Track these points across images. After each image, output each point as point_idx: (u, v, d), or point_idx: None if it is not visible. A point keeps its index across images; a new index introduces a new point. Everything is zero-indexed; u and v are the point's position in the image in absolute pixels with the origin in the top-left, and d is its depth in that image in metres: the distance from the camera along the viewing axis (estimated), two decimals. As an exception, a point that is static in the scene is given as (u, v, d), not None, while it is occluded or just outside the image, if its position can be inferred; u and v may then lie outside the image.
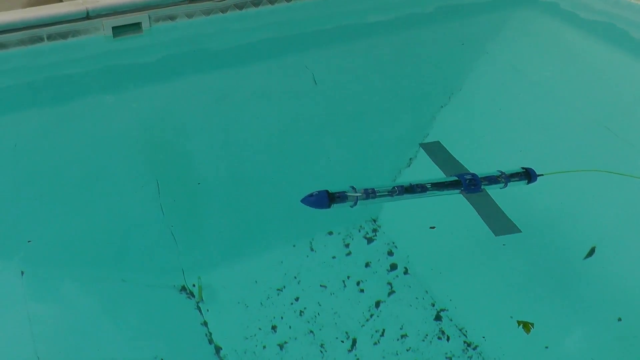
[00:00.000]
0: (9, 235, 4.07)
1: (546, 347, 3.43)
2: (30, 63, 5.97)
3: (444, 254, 4.00)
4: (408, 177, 4.57)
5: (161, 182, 4.42)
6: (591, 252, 3.96)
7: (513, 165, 3.76)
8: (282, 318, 3.49)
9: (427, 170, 3.82)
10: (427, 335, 3.45)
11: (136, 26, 6.25)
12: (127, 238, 4.10)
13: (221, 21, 6.61)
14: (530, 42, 6.89)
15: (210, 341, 3.36)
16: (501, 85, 5.99)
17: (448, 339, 3.44)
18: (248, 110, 5.41)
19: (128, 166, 4.74)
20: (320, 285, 3.68)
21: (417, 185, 3.62)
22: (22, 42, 5.93)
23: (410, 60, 6.50)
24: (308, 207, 3.33)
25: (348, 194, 3.45)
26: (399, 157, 4.80)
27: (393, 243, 3.96)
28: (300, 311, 3.53)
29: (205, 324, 3.44)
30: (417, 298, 3.64)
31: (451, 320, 3.52)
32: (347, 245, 3.97)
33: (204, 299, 3.55)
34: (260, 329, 3.42)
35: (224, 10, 6.56)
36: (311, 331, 3.43)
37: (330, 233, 4.04)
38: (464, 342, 3.43)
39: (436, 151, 4.10)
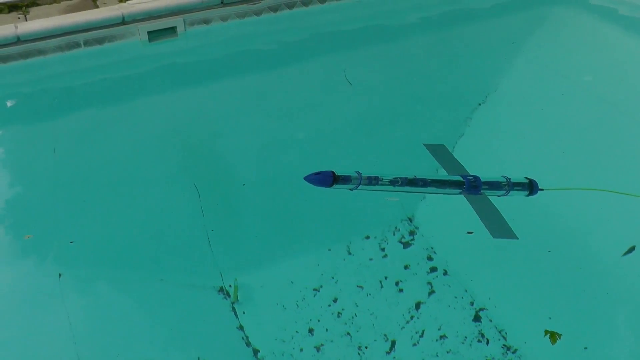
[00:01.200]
0: (48, 237, 4.10)
1: (585, 348, 3.38)
2: (68, 68, 6.02)
3: (483, 255, 3.93)
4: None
5: (199, 185, 4.42)
6: (630, 249, 3.87)
7: (545, 170, 3.85)
8: (318, 321, 3.47)
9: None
10: (466, 337, 3.41)
11: (171, 30, 6.26)
12: (165, 239, 4.10)
13: (255, 24, 6.59)
14: (569, 41, 6.77)
15: (248, 344, 3.36)
16: (537, 86, 5.87)
17: (488, 342, 3.39)
18: (284, 112, 5.41)
19: (166, 169, 4.75)
20: (357, 286, 3.65)
21: (420, 179, 3.63)
22: (59, 48, 5.97)
23: (445, 61, 6.44)
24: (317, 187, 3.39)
25: (351, 176, 3.49)
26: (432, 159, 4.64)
27: (432, 248, 3.91)
28: (338, 313, 3.52)
29: (241, 327, 3.44)
30: (456, 297, 3.61)
31: (491, 321, 3.48)
32: (383, 249, 3.94)
33: (239, 299, 3.56)
34: (297, 331, 3.41)
35: (258, 13, 6.54)
36: (348, 333, 3.41)
37: (367, 237, 4.01)
38: (504, 345, 3.38)
39: (440, 153, 4.15)
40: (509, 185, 3.66)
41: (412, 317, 3.48)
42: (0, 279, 3.86)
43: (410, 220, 4.13)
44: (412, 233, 4.02)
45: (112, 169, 4.70)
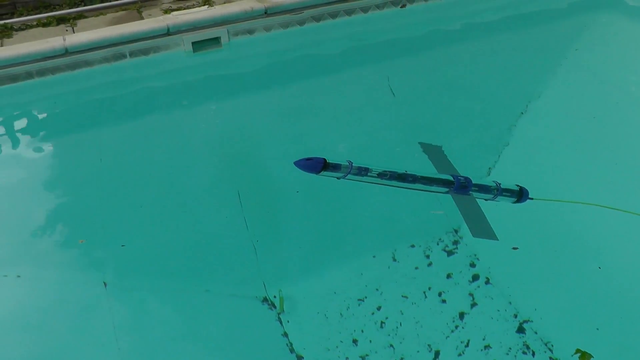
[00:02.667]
0: (95, 245, 4.14)
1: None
2: (114, 79, 6.08)
3: (527, 265, 3.88)
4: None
5: (242, 194, 4.41)
6: None
7: (590, 183, 3.86)
8: (362, 332, 3.44)
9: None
10: (510, 348, 3.35)
11: (215, 41, 6.29)
12: (210, 249, 4.10)
13: (299, 34, 6.59)
14: (615, 48, 6.63)
15: (292, 350, 3.35)
16: (582, 94, 5.78)
17: (533, 354, 3.33)
18: (326, 123, 5.38)
19: (209, 178, 4.76)
20: (402, 296, 3.61)
21: (410, 174, 3.66)
22: (105, 59, 6.04)
23: (488, 68, 6.35)
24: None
25: (341, 165, 3.49)
26: (478, 166, 4.68)
27: (475, 255, 3.86)
28: (382, 322, 3.48)
29: (285, 334, 3.42)
30: (498, 310, 3.54)
31: (536, 333, 3.41)
32: (427, 257, 3.90)
33: (285, 310, 3.55)
34: (341, 341, 3.39)
35: (301, 22, 6.53)
36: (391, 345, 3.38)
37: (412, 246, 3.97)
38: (550, 357, 3.31)
39: (435, 154, 4.18)
40: (498, 191, 3.66)
41: (456, 327, 3.44)
42: (49, 285, 3.91)
43: (456, 231, 4.08)
44: (455, 242, 3.97)
45: (157, 179, 4.73)
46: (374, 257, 3.92)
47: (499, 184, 3.68)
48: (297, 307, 3.59)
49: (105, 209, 4.42)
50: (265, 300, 3.63)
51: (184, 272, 3.96)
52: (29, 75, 5.94)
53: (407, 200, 4.22)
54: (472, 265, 3.80)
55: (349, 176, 3.54)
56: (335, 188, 4.24)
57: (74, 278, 3.96)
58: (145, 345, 3.50)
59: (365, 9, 6.80)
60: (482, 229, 3.75)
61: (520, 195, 3.71)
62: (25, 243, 4.26)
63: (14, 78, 5.90)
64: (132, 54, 6.12)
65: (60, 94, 6.04)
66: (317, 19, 6.63)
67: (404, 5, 6.96)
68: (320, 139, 5.17)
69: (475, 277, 3.72)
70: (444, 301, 3.60)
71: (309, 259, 4.01)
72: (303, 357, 3.32)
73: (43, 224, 4.38)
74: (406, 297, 3.61)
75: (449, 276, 3.74)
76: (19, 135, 5.60)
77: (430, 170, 4.05)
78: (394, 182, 3.64)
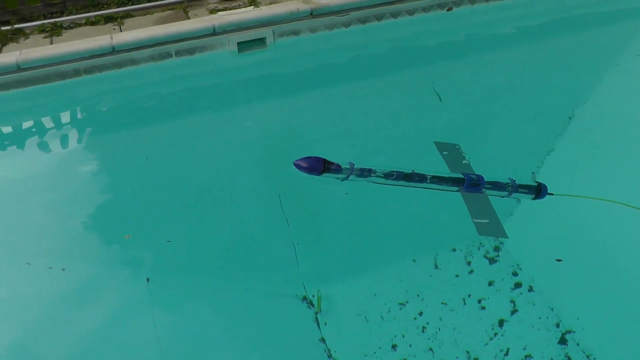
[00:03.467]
0: (138, 243, 4.17)
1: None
2: (160, 78, 6.13)
3: (571, 274, 3.80)
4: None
5: (284, 195, 4.40)
6: None
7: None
8: (403, 336, 3.42)
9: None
10: (551, 359, 3.29)
11: (261, 41, 6.30)
12: (251, 248, 4.11)
13: (344, 35, 6.57)
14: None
15: (330, 356, 3.33)
16: (631, 100, 5.63)
17: None
18: (370, 125, 5.35)
19: (252, 178, 4.76)
20: (442, 303, 3.58)
21: (416, 174, 3.71)
22: (152, 58, 6.07)
23: (535, 73, 6.26)
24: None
25: (343, 167, 3.51)
26: (522, 171, 4.55)
27: (518, 265, 3.80)
28: (423, 327, 3.46)
29: (323, 340, 3.41)
30: (540, 318, 3.49)
31: (578, 344, 3.35)
32: (469, 263, 3.85)
33: (322, 309, 3.53)
34: (380, 347, 3.36)
35: (346, 24, 6.50)
36: (431, 348, 3.35)
37: (454, 250, 3.92)
38: None
39: (451, 152, 4.20)
40: (513, 187, 3.70)
41: (495, 334, 3.39)
42: (93, 280, 3.95)
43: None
44: (497, 249, 3.90)
45: (200, 178, 4.74)
46: (414, 261, 3.89)
47: (514, 180, 3.72)
48: (337, 309, 3.58)
49: (150, 207, 4.46)
50: (304, 300, 3.62)
51: (225, 270, 3.97)
52: (76, 72, 6.01)
53: (448, 205, 4.20)
54: (515, 274, 3.74)
55: (353, 177, 3.68)
56: (377, 190, 4.28)
57: (117, 274, 3.99)
58: (185, 342, 3.51)
59: (411, 12, 6.73)
60: (490, 227, 3.72)
61: (539, 191, 3.73)
62: (71, 237, 4.31)
63: (62, 75, 5.97)
64: (178, 53, 6.15)
65: (107, 92, 6.09)
66: (363, 21, 6.59)
67: (450, 8, 6.88)
68: (363, 143, 5.12)
69: (518, 285, 3.66)
70: (483, 308, 3.55)
71: (349, 261, 3.99)
72: None
73: (89, 220, 4.42)
74: (445, 303, 3.57)
75: (490, 283, 3.70)
76: (66, 132, 5.66)
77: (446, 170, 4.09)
78: (401, 183, 3.72)
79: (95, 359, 3.45)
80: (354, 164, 3.59)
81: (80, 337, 3.58)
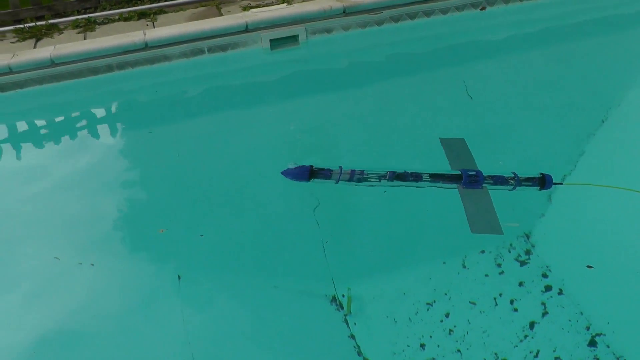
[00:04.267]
0: (169, 240, 4.17)
1: None
2: (192, 75, 6.12)
3: (602, 276, 3.72)
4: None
5: (315, 193, 4.37)
6: None
7: None
8: (430, 337, 3.40)
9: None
10: None
11: (293, 39, 6.28)
12: (281, 247, 4.10)
13: (376, 34, 6.53)
14: None
15: (359, 353, 3.32)
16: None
17: None
18: (401, 124, 5.31)
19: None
20: (470, 302, 3.55)
21: (410, 173, 3.71)
22: (184, 55, 6.08)
23: (567, 73, 6.20)
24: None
25: (332, 171, 3.50)
26: (556, 171, 4.42)
27: (547, 267, 3.75)
28: (450, 330, 3.43)
29: (352, 336, 3.40)
30: (570, 320, 3.44)
31: (608, 347, 3.30)
32: (499, 265, 3.81)
33: (352, 312, 3.52)
34: (408, 345, 3.34)
35: (379, 23, 6.46)
36: (459, 350, 3.32)
37: (482, 252, 3.87)
38: None
39: (456, 147, 4.18)
40: (516, 181, 3.71)
41: (525, 337, 3.36)
42: (123, 276, 3.97)
43: (527, 236, 3.96)
44: (528, 252, 3.85)
45: (232, 175, 4.75)
46: (444, 263, 3.85)
47: (516, 174, 3.74)
48: (365, 308, 3.55)
49: (181, 203, 4.46)
50: (333, 299, 3.61)
51: (254, 267, 3.96)
52: (109, 68, 6.04)
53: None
54: (545, 275, 3.69)
55: (342, 182, 3.68)
56: (407, 191, 4.24)
57: (147, 270, 4.01)
58: (213, 339, 3.52)
59: (444, 11, 6.67)
60: (485, 224, 3.70)
61: (543, 182, 3.75)
62: (101, 233, 4.33)
63: (94, 71, 6.01)
64: (210, 49, 6.15)
65: (139, 88, 6.13)
66: (396, 19, 6.54)
67: (483, 8, 6.80)
68: (394, 139, 5.10)
69: (548, 287, 3.62)
70: (515, 310, 3.51)
71: (379, 261, 3.95)
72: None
73: (120, 216, 4.45)
74: (474, 303, 3.54)
75: (520, 284, 3.66)
76: (98, 127, 5.68)
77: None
78: (396, 183, 3.72)
79: (124, 354, 3.45)
80: (342, 167, 3.56)
81: (109, 333, 3.59)
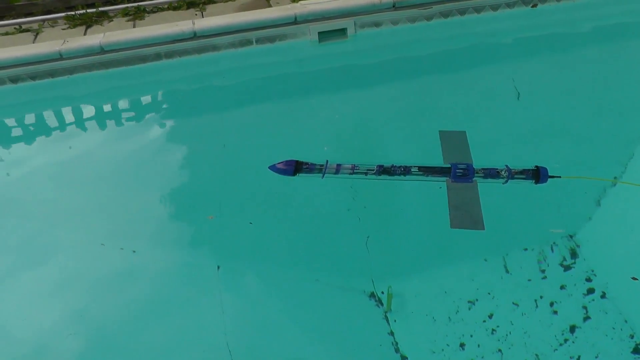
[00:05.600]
0: (209, 230, 4.21)
1: None
2: (239, 65, 6.15)
3: None
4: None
5: (358, 188, 4.36)
6: None
7: None
8: (471, 336, 3.37)
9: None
10: None
11: (341, 32, 6.26)
12: (322, 240, 4.09)
13: (425, 29, 6.49)
14: None
15: (397, 350, 3.29)
16: None
17: None
18: (447, 119, 5.23)
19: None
20: (513, 303, 3.50)
21: (398, 167, 3.71)
22: (232, 45, 6.09)
23: (621, 73, 6.04)
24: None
25: (316, 165, 3.50)
26: (605, 173, 4.45)
27: (592, 271, 3.68)
28: (492, 330, 3.40)
29: (391, 333, 3.37)
30: (614, 328, 3.37)
31: None
32: (542, 270, 3.74)
33: (392, 309, 3.50)
34: (448, 345, 3.32)
35: (428, 18, 6.39)
36: (500, 350, 3.29)
37: (525, 249, 3.83)
38: None
39: (454, 140, 4.14)
40: (508, 173, 3.69)
41: (565, 340, 3.31)
42: (163, 264, 4.01)
43: (571, 236, 3.90)
44: (573, 253, 3.79)
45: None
46: (485, 260, 3.80)
47: (509, 167, 3.73)
48: (405, 306, 3.53)
49: (223, 196, 4.47)
50: (372, 295, 3.59)
51: (296, 260, 3.97)
52: (157, 56, 6.08)
53: (521, 205, 4.12)
54: (588, 279, 3.62)
55: (328, 175, 3.71)
56: (444, 190, 4.19)
57: (188, 259, 4.03)
58: (251, 330, 3.52)
59: (495, 7, 6.58)
60: (467, 219, 3.67)
61: (538, 175, 3.74)
62: (145, 220, 4.39)
63: (143, 59, 6.05)
64: (259, 40, 6.15)
65: (187, 77, 6.16)
66: (445, 15, 6.48)
67: (535, 5, 6.69)
68: (437, 139, 4.96)
69: (591, 291, 3.55)
70: (555, 312, 3.46)
71: (420, 258, 3.93)
72: (407, 358, 3.27)
73: (164, 204, 4.49)
74: (517, 304, 3.49)
75: (562, 287, 3.59)
76: (145, 115, 5.74)
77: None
78: (384, 177, 3.73)
79: (161, 342, 3.49)
80: (328, 161, 3.72)
81: (147, 320, 3.64)
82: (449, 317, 3.46)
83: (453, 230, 4.03)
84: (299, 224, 4.24)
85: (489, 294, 3.57)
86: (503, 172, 3.76)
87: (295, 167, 3.85)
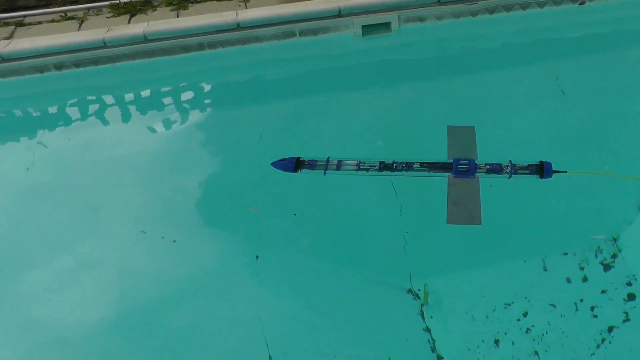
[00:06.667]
0: (251, 220, 4.21)
1: None
2: (281, 57, 6.15)
3: None
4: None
5: (396, 183, 4.33)
6: None
7: None
8: (505, 334, 3.33)
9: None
10: None
11: (385, 26, 6.24)
12: (362, 234, 4.07)
13: (469, 24, 6.43)
14: None
15: (433, 349, 3.28)
16: None
17: None
18: (489, 117, 5.18)
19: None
20: (550, 304, 3.44)
21: (399, 163, 3.74)
22: (275, 37, 6.09)
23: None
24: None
25: (317, 161, 3.55)
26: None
27: (633, 276, 3.60)
28: (527, 329, 3.35)
29: (428, 329, 3.36)
30: None
31: None
32: (582, 268, 3.69)
33: (429, 302, 3.48)
34: (483, 341, 3.29)
35: (473, 13, 6.32)
36: (536, 352, 3.24)
37: (565, 254, 3.75)
38: None
39: (462, 136, 4.14)
40: (511, 168, 3.70)
41: (603, 340, 3.26)
42: (201, 254, 4.04)
43: (615, 240, 3.83)
44: (614, 256, 3.72)
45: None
46: (525, 261, 3.75)
47: (512, 162, 3.74)
48: (442, 303, 3.51)
49: (260, 187, 4.49)
50: (410, 291, 3.57)
51: (334, 253, 3.95)
52: (200, 46, 6.11)
53: (563, 206, 4.08)
54: (629, 284, 3.55)
55: (329, 172, 3.75)
56: (489, 188, 4.15)
57: (227, 248, 4.06)
58: (287, 323, 3.53)
59: (541, 4, 6.48)
60: (464, 214, 3.67)
61: (542, 170, 3.73)
62: (185, 209, 4.42)
63: (186, 49, 6.09)
64: (302, 33, 6.15)
65: (228, 67, 6.19)
66: (491, 10, 6.40)
67: (582, 3, 6.55)
68: (480, 134, 4.87)
69: (631, 296, 3.48)
70: (595, 316, 3.40)
71: (458, 256, 3.88)
72: (443, 357, 3.26)
73: (205, 194, 4.53)
74: (554, 305, 3.45)
75: (603, 291, 3.53)
76: (186, 104, 5.77)
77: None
78: (386, 173, 3.76)
79: (196, 331, 3.50)
80: (329, 158, 3.77)
81: (184, 308, 3.67)
82: (487, 316, 3.43)
83: (490, 231, 4.00)
84: (340, 217, 4.23)
85: (525, 297, 3.52)
86: (506, 168, 3.73)
87: (295, 165, 3.91)
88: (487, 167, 3.91)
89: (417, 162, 3.88)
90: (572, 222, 4.04)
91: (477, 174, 3.89)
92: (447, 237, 4.01)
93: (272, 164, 4.09)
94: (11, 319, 3.78)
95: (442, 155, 4.58)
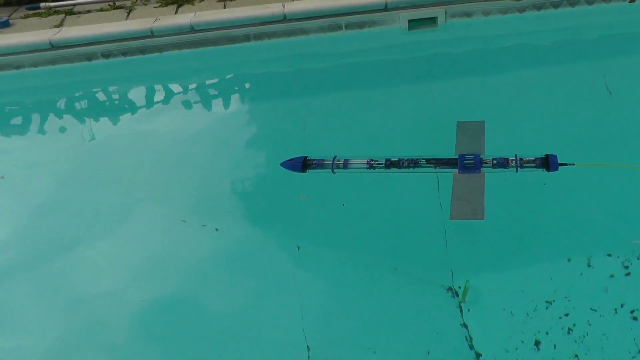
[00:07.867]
0: (295, 210, 4.23)
1: None
2: (327, 50, 6.15)
3: None
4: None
5: (441, 177, 4.24)
6: None
7: None
8: (547, 334, 3.28)
9: None
10: None
11: (432, 20, 6.22)
12: (403, 228, 4.06)
13: (517, 21, 6.38)
14: None
15: (471, 347, 3.24)
16: None
17: None
18: (531, 115, 5.12)
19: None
20: (591, 309, 3.38)
21: (405, 159, 3.75)
22: (321, 29, 6.11)
23: None
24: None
25: (324, 160, 3.60)
26: None
27: None
28: (569, 329, 3.30)
29: (464, 325, 3.33)
30: None
31: None
32: (627, 272, 3.61)
33: (466, 300, 3.45)
34: (522, 342, 3.25)
35: (521, 10, 6.28)
36: (576, 355, 3.18)
37: (609, 255, 3.68)
38: None
39: (471, 131, 4.12)
40: (517, 161, 3.68)
41: None
42: (243, 243, 4.05)
43: None
44: None
45: (357, 151, 4.61)
46: (569, 260, 3.70)
47: (517, 156, 3.72)
48: (481, 300, 3.47)
49: (293, 181, 4.41)
50: (450, 289, 3.54)
51: (375, 246, 3.94)
52: (246, 38, 6.14)
53: (606, 205, 4.02)
54: None
55: (337, 171, 3.76)
56: (534, 186, 4.12)
57: (269, 239, 4.08)
58: (328, 315, 3.52)
59: (590, 1, 6.43)
60: (468, 209, 3.65)
61: (547, 163, 3.70)
62: (228, 199, 4.44)
63: (232, 39, 6.13)
64: (348, 26, 6.15)
65: (274, 59, 6.19)
66: (538, 7, 6.35)
67: (633, 0, 6.44)
68: (521, 134, 4.88)
69: None
70: (635, 319, 3.32)
71: (500, 253, 3.85)
72: (481, 355, 3.21)
73: (248, 183, 4.57)
74: (595, 310, 3.37)
75: None
76: (230, 94, 5.81)
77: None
78: (393, 170, 3.74)
79: (236, 320, 3.52)
80: (336, 157, 3.79)
81: (224, 297, 3.69)
82: (527, 314, 3.39)
83: (533, 229, 3.98)
84: (380, 209, 4.22)
85: (565, 297, 3.47)
86: (512, 162, 3.73)
87: (303, 164, 3.95)
88: (494, 161, 3.88)
89: (422, 159, 3.88)
90: (617, 223, 3.96)
91: (483, 168, 3.88)
92: (488, 233, 3.98)
93: (281, 164, 4.13)
94: (58, 301, 3.82)
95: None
